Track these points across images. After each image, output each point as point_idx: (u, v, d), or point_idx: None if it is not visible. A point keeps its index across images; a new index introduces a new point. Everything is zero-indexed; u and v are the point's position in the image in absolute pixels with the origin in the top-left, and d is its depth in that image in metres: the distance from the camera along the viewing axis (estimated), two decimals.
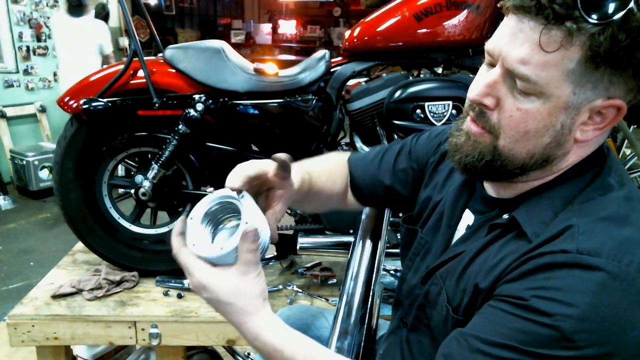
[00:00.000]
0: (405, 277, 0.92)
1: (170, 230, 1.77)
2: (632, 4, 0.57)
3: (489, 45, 0.68)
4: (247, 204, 0.69)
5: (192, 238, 0.70)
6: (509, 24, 0.65)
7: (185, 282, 1.74)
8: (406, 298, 0.90)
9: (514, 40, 0.63)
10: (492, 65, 0.69)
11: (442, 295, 0.77)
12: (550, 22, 0.60)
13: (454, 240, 0.84)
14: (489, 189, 0.81)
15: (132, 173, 1.75)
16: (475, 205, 0.83)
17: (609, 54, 0.59)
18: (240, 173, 0.72)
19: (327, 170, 1.01)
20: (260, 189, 0.79)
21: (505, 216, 0.73)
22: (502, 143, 0.69)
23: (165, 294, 1.70)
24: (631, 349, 0.58)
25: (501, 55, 0.65)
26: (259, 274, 0.70)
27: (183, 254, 0.69)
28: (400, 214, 1.03)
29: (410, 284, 0.89)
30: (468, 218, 0.83)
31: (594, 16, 0.57)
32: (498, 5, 0.68)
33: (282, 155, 0.73)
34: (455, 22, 1.63)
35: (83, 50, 4.13)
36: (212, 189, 0.79)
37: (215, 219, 0.74)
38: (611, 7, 0.57)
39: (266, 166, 0.77)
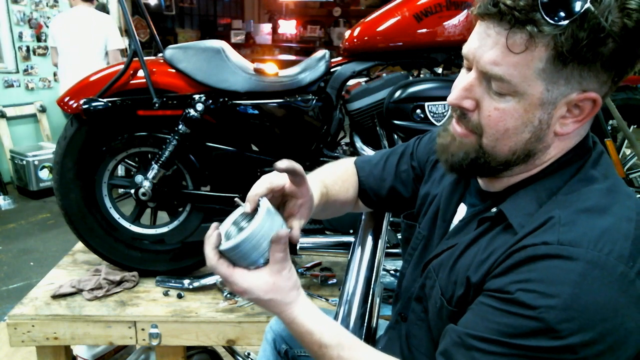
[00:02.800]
0: (405, 272, 0.94)
1: (169, 230, 1.78)
2: (588, 4, 0.59)
3: (464, 49, 0.71)
4: (263, 206, 0.74)
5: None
6: (479, 29, 0.68)
7: (186, 282, 1.74)
8: (405, 292, 0.92)
9: (485, 44, 0.66)
10: (469, 69, 0.72)
11: (436, 288, 0.79)
12: (513, 26, 0.63)
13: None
14: (482, 182, 0.83)
15: (132, 173, 1.75)
16: (469, 199, 0.85)
17: (573, 52, 0.61)
18: (264, 182, 0.78)
19: (340, 179, 1.04)
20: (282, 200, 0.82)
21: (494, 210, 0.76)
22: (485, 141, 0.71)
23: (165, 294, 1.71)
24: (615, 334, 0.60)
25: (475, 59, 0.68)
26: (290, 269, 0.74)
27: (222, 266, 0.73)
28: (402, 215, 1.03)
29: (409, 279, 0.91)
30: (463, 211, 0.86)
31: (552, 19, 0.60)
32: (469, 12, 0.71)
33: (281, 164, 0.76)
34: (455, 22, 1.63)
35: (84, 44, 3.84)
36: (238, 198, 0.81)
37: (237, 227, 0.79)
38: (567, 9, 0.59)
39: (284, 178, 0.80)
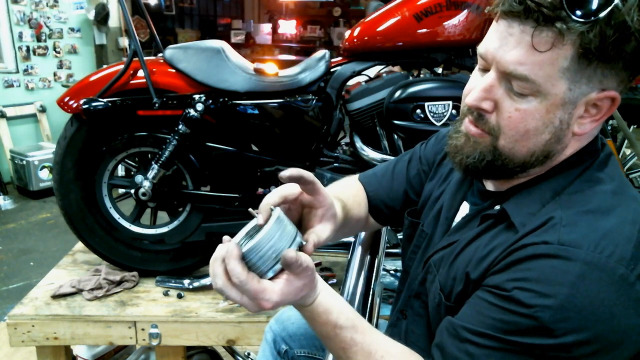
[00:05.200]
0: (409, 270, 0.94)
1: (169, 230, 1.77)
2: (616, 1, 0.59)
3: (481, 49, 0.69)
4: (274, 215, 0.68)
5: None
6: (499, 28, 0.66)
7: (185, 282, 1.74)
8: (407, 289, 0.92)
9: (506, 43, 0.65)
10: (485, 69, 0.70)
11: (435, 283, 0.79)
12: (540, 24, 0.61)
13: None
14: (487, 183, 0.82)
15: (132, 173, 1.75)
16: (472, 198, 0.85)
17: (600, 49, 0.61)
18: (277, 191, 0.72)
19: (350, 194, 1.00)
20: (301, 212, 0.76)
21: (497, 207, 0.75)
22: (502, 143, 0.70)
23: (165, 294, 1.70)
24: (610, 336, 0.60)
25: (495, 59, 0.67)
26: (306, 262, 0.66)
27: (252, 280, 0.63)
28: (406, 212, 1.02)
29: (413, 276, 0.91)
30: (465, 209, 0.85)
31: (581, 15, 0.59)
32: (486, 11, 0.69)
33: (285, 172, 0.69)
34: (455, 22, 1.63)
35: None
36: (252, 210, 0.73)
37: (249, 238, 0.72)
38: (596, 5, 0.59)
39: (298, 187, 0.74)
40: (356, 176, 1.08)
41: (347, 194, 0.98)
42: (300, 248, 0.69)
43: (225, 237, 0.68)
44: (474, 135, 0.72)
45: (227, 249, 0.64)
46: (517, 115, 0.67)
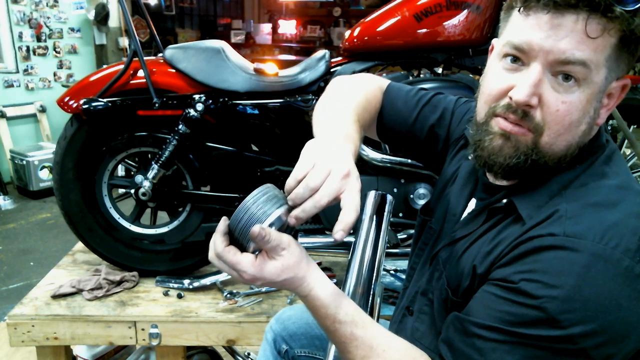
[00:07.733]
0: (416, 267, 0.94)
1: (169, 230, 1.77)
2: None
3: (521, 41, 0.67)
4: (256, 191, 0.70)
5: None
6: (539, 20, 0.65)
7: (186, 282, 1.74)
8: (413, 286, 0.92)
9: (556, 33, 0.64)
10: (515, 62, 0.69)
11: (442, 279, 0.79)
12: (592, 12, 0.62)
13: None
14: (491, 177, 0.82)
15: (132, 173, 1.75)
16: (479, 193, 0.85)
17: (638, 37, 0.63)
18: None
19: (365, 109, 0.97)
20: None
21: (504, 200, 0.75)
22: (545, 139, 0.69)
23: (165, 294, 1.70)
24: (617, 327, 0.60)
25: (543, 49, 0.65)
26: (290, 245, 0.69)
27: (228, 253, 0.68)
28: (401, 214, 1.03)
29: (419, 273, 0.92)
30: (472, 205, 0.85)
31: (629, 3, 0.61)
32: (515, 5, 0.68)
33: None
34: (455, 22, 1.63)
35: None
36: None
37: None
38: None
39: None
40: (385, 84, 1.04)
41: (363, 112, 0.95)
42: (286, 225, 0.70)
43: (224, 217, 0.72)
44: (516, 134, 0.70)
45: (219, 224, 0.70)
46: (564, 107, 0.66)
